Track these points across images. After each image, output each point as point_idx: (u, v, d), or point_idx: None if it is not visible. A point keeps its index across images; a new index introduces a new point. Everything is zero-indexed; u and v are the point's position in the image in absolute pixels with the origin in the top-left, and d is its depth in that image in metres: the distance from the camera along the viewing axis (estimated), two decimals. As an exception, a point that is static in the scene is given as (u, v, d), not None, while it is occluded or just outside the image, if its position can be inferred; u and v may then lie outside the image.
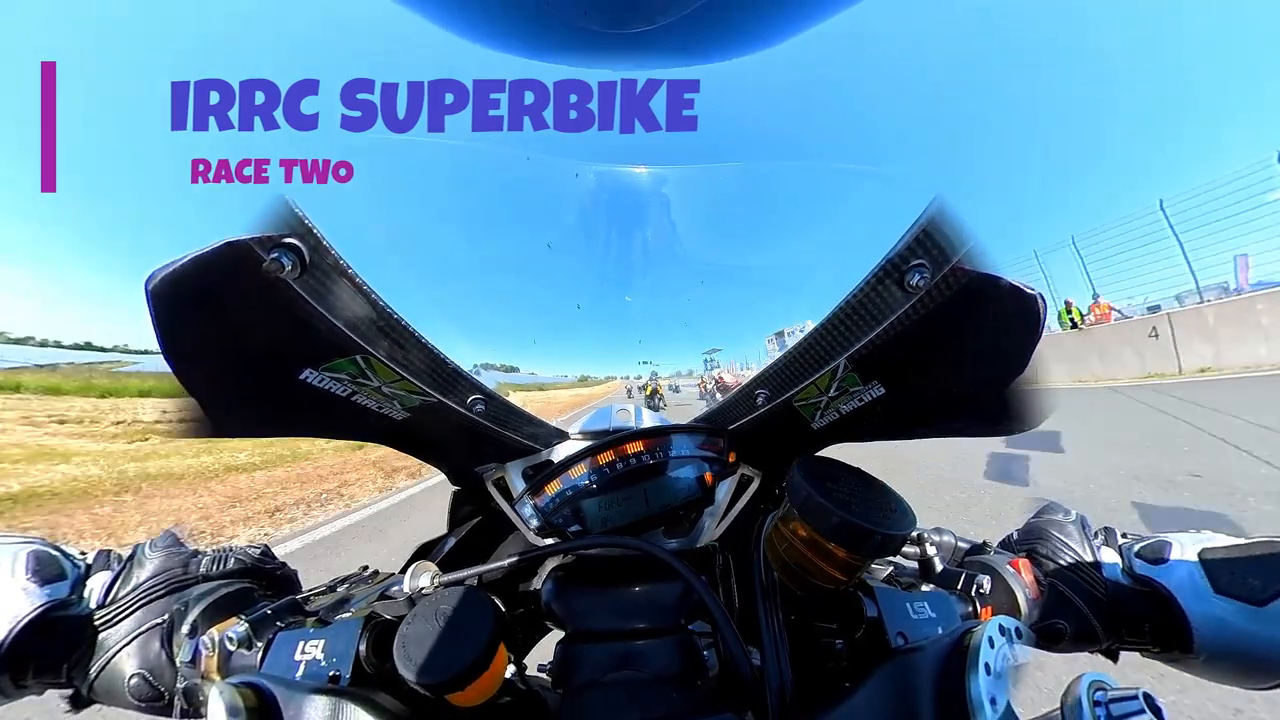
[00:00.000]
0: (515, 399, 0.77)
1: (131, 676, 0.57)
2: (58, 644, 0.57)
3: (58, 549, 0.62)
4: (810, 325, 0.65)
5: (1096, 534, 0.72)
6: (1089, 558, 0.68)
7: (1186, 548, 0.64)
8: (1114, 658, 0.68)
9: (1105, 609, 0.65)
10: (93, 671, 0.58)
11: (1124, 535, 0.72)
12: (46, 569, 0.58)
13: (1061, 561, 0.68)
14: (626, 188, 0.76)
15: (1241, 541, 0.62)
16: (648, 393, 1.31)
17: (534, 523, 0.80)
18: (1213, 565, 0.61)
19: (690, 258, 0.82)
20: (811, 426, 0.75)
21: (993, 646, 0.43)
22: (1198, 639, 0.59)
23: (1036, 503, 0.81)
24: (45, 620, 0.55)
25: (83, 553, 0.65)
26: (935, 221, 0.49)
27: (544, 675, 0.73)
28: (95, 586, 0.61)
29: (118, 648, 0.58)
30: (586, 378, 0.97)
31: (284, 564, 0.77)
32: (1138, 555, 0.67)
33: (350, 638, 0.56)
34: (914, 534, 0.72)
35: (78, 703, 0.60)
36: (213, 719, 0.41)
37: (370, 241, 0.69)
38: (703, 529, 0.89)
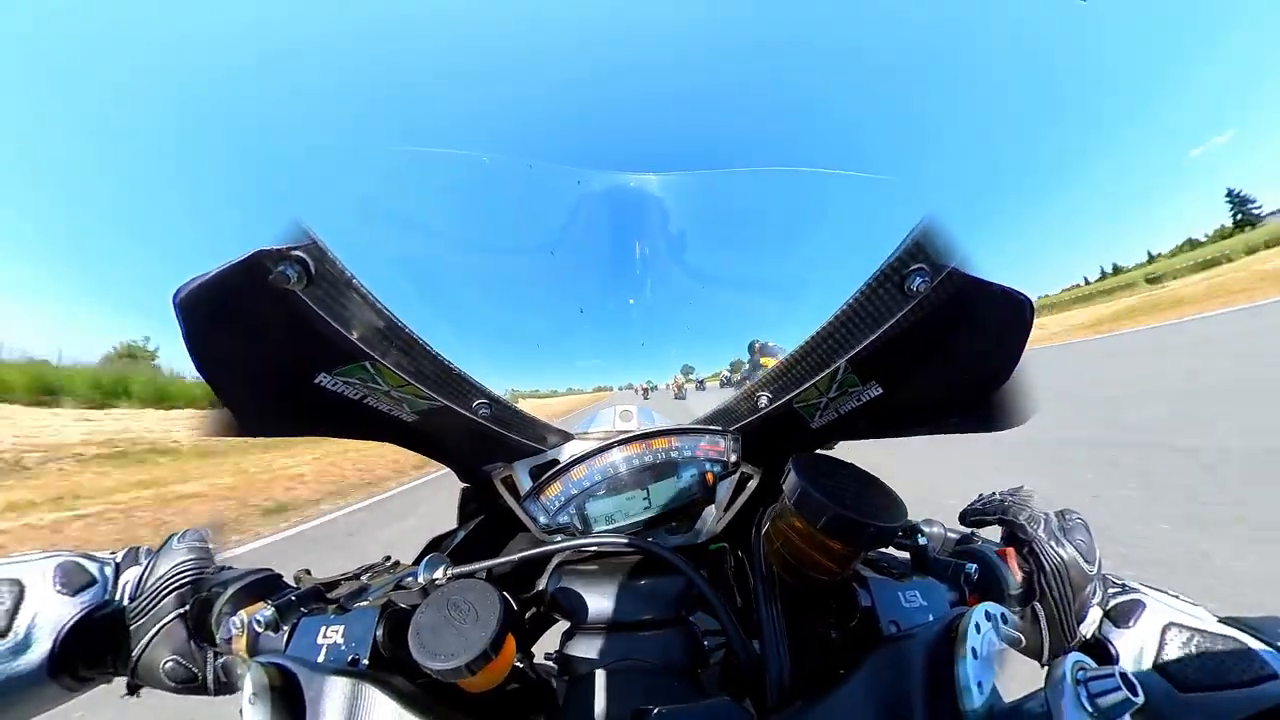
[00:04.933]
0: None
1: (166, 662, 0.62)
2: (99, 642, 0.61)
3: (84, 555, 0.65)
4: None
5: (1099, 575, 0.70)
6: (1078, 584, 0.67)
7: (1157, 616, 0.64)
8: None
9: (1061, 643, 0.67)
10: (134, 660, 0.62)
11: (1114, 582, 0.71)
12: (74, 578, 0.61)
13: (1049, 580, 0.67)
14: (629, 195, 0.79)
15: (1211, 625, 0.62)
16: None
17: (540, 520, 0.82)
18: (1167, 641, 0.62)
19: (692, 262, 0.84)
20: (811, 426, 0.77)
21: (979, 632, 0.45)
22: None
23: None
24: (84, 624, 0.59)
25: (112, 553, 0.68)
26: (932, 227, 0.52)
27: (551, 664, 0.75)
28: (127, 582, 0.65)
29: (150, 637, 0.62)
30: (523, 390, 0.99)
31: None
32: (1108, 615, 0.67)
33: (368, 624, 0.59)
34: (905, 525, 0.74)
35: (132, 688, 0.66)
36: (245, 695, 0.45)
37: (376, 252, 0.72)
38: (704, 525, 0.91)
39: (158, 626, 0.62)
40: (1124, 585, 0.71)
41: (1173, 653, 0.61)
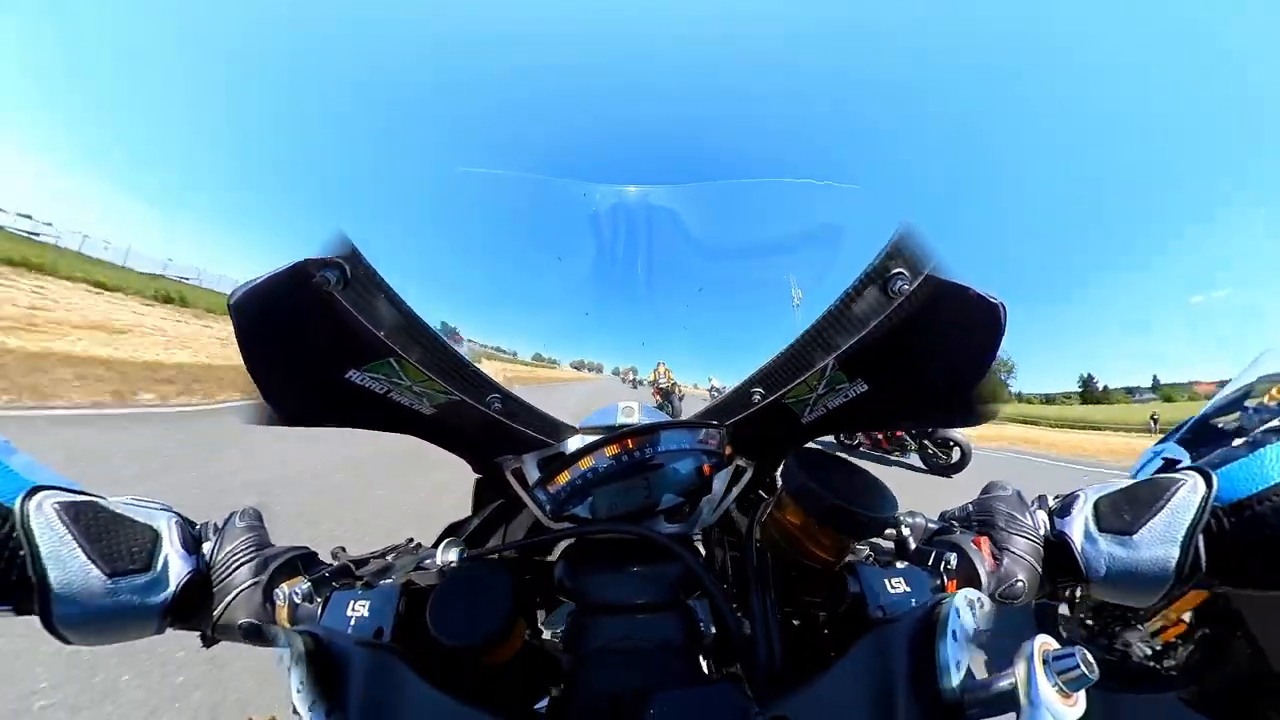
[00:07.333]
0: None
1: (242, 624, 0.70)
2: (193, 601, 0.69)
3: (185, 519, 0.74)
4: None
5: (1032, 502, 0.84)
6: (1029, 524, 0.79)
7: (1088, 497, 0.76)
8: (1058, 598, 0.80)
9: (1043, 562, 0.77)
10: (213, 619, 0.71)
11: (1054, 498, 0.84)
12: (187, 539, 0.70)
13: (1012, 533, 0.79)
14: (631, 205, 0.82)
15: (1127, 484, 0.73)
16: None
17: (548, 508, 0.86)
18: (1099, 508, 0.73)
19: (690, 268, 0.88)
20: (801, 420, 0.81)
21: (959, 616, 0.50)
22: (1088, 570, 0.71)
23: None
24: (191, 582, 0.68)
25: (192, 522, 0.77)
26: (909, 235, 0.56)
27: (557, 642, 0.80)
28: (204, 552, 0.74)
29: (226, 603, 0.70)
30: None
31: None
32: (1055, 513, 0.80)
33: (391, 601, 0.65)
34: (896, 517, 0.79)
35: (206, 641, 0.74)
36: (287, 659, 0.50)
37: (406, 259, 0.75)
38: (700, 515, 0.95)
39: (233, 595, 0.70)
40: (1059, 495, 0.83)
41: (1107, 513, 0.72)
